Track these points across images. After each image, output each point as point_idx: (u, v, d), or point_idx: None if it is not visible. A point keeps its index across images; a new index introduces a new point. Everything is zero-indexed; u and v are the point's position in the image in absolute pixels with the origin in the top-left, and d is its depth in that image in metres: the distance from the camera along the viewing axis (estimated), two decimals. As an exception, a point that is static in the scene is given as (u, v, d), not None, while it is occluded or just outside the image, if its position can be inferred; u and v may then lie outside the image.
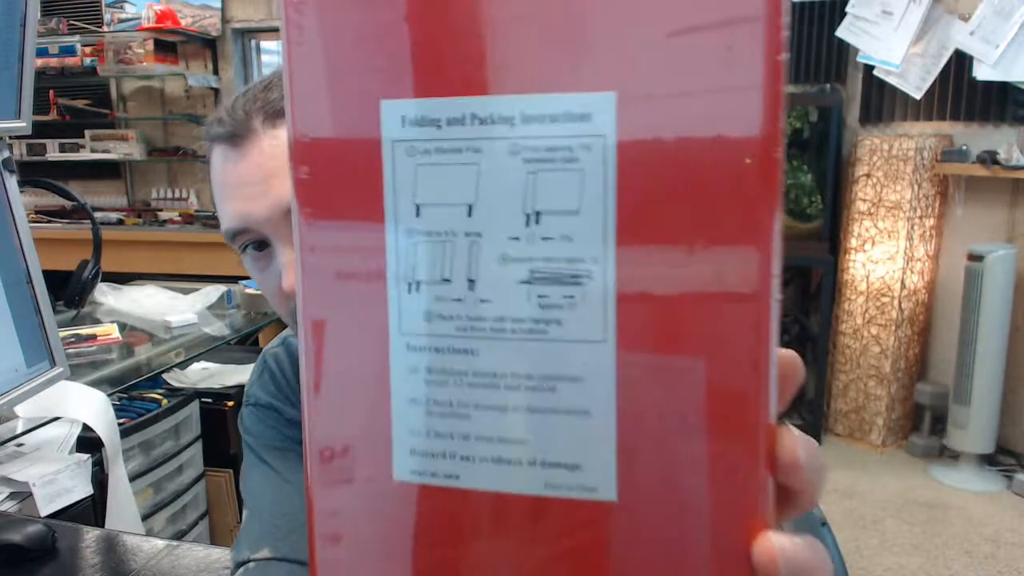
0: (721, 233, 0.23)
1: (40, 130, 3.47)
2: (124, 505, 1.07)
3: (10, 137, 0.86)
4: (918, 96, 2.71)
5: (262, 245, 0.58)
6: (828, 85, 2.92)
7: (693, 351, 0.23)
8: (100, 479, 1.05)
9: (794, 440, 0.24)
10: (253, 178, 0.55)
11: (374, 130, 0.25)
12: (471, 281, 0.25)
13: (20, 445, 0.99)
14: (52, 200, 3.65)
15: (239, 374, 1.78)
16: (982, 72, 2.55)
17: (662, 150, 0.23)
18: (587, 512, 0.24)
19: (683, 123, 0.23)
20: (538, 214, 0.24)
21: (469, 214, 0.25)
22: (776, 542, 0.23)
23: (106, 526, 1.00)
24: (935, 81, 2.68)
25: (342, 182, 0.26)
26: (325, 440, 0.27)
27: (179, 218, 3.76)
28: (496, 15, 0.24)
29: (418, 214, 0.25)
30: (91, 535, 0.78)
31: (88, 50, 3.54)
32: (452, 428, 0.25)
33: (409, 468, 0.26)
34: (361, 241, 0.26)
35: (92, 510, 1.01)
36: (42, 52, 3.40)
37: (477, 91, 0.24)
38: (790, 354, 0.25)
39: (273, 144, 0.55)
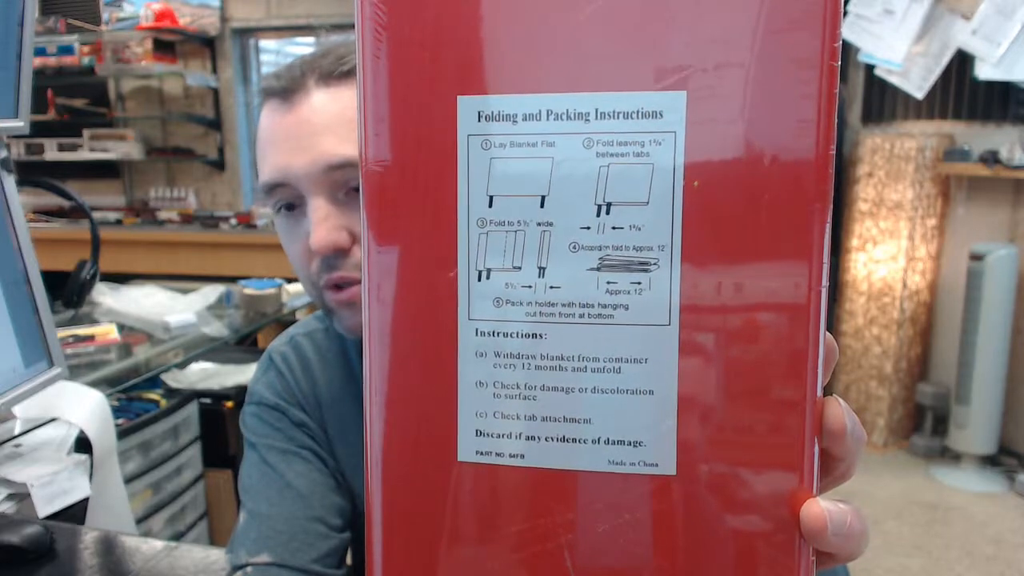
0: (781, 226, 0.24)
1: (38, 130, 3.47)
2: (114, 507, 1.06)
3: (8, 136, 0.85)
4: (920, 95, 2.70)
5: (293, 206, 0.58)
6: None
7: (750, 332, 0.25)
8: (99, 480, 1.04)
9: (840, 409, 0.25)
10: (299, 132, 0.55)
11: (450, 124, 0.26)
12: (541, 268, 0.26)
13: (18, 446, 0.98)
14: (50, 200, 3.64)
15: (238, 374, 1.78)
16: (984, 71, 2.54)
17: (728, 147, 0.24)
18: (648, 486, 0.26)
19: (748, 124, 0.24)
20: (609, 205, 0.25)
21: (542, 205, 0.26)
22: (824, 506, 0.25)
23: (86, 525, 0.99)
24: (937, 80, 2.67)
25: (416, 175, 0.26)
26: (390, 424, 0.27)
27: (178, 218, 3.75)
28: (574, 16, 0.25)
29: (491, 205, 0.26)
30: (89, 536, 0.77)
31: (86, 49, 3.53)
32: (518, 409, 0.26)
33: (474, 449, 0.27)
34: (432, 231, 0.26)
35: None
36: (40, 51, 3.40)
37: (553, 88, 0.25)
38: (828, 335, 0.26)
39: (323, 101, 0.55)
